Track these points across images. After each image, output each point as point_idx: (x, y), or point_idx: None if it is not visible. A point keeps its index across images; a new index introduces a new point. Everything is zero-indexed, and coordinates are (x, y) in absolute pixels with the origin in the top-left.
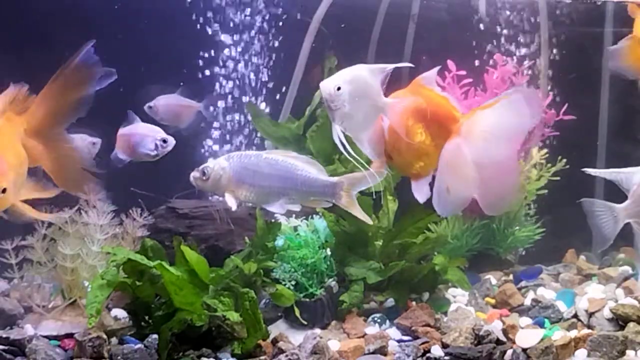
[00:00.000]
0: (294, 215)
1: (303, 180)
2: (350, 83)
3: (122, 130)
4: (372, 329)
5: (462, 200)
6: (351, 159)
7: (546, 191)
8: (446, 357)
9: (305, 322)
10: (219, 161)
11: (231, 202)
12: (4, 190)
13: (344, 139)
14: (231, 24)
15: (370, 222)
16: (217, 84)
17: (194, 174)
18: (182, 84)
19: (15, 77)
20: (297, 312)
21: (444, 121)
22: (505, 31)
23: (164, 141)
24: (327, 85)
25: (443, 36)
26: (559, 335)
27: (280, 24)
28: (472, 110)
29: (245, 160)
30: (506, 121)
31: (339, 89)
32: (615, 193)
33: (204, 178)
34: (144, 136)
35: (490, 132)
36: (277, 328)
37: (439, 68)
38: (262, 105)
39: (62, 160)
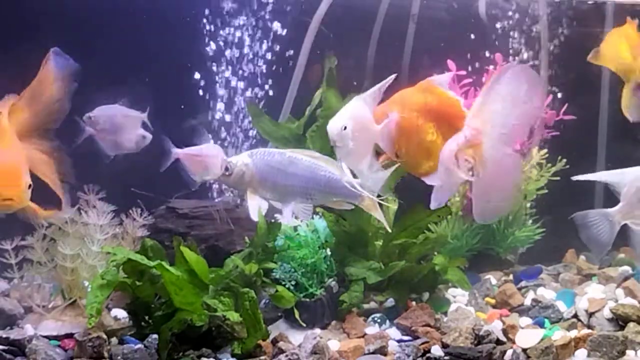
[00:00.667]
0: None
1: (327, 181)
2: (353, 120)
3: (191, 151)
4: (372, 329)
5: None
6: (363, 193)
7: (546, 191)
8: (446, 357)
9: (305, 324)
10: (242, 157)
11: (253, 211)
12: (29, 187)
13: (350, 175)
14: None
15: (389, 229)
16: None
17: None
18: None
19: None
20: (297, 314)
21: (454, 121)
22: (504, 31)
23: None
24: (335, 126)
25: (443, 36)
26: (559, 335)
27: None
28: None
29: (268, 157)
30: (505, 100)
31: (345, 128)
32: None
33: (227, 173)
34: (215, 157)
35: (494, 117)
36: (277, 328)
37: (445, 71)
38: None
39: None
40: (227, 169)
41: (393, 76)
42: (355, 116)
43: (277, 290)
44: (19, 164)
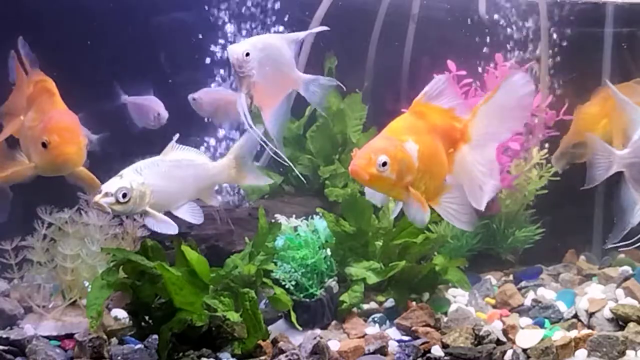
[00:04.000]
0: (294, 216)
1: (206, 171)
2: (261, 50)
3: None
4: (372, 329)
5: (495, 189)
6: (252, 131)
7: (546, 191)
8: (446, 358)
9: (302, 328)
10: (131, 178)
11: (169, 226)
12: (86, 146)
13: (246, 108)
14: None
15: (265, 182)
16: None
17: (107, 200)
18: None
19: None
20: (293, 317)
21: (451, 132)
22: (505, 31)
23: None
24: (236, 50)
25: (443, 36)
26: (559, 335)
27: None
28: (472, 110)
29: (155, 168)
30: (508, 106)
31: (247, 54)
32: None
33: (125, 200)
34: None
35: (496, 123)
36: (277, 328)
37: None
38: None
39: None
40: (124, 195)
41: (321, 28)
42: (267, 48)
43: (274, 293)
44: (77, 122)
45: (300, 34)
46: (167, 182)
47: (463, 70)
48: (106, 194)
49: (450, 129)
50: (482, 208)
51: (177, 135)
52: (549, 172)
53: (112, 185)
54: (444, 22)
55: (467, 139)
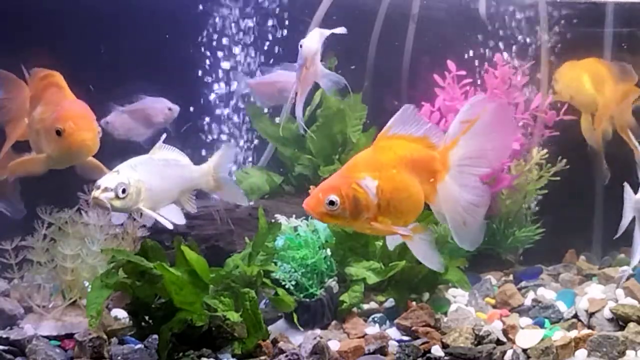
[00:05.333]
0: (294, 216)
1: (189, 173)
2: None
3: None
4: (372, 329)
5: (480, 225)
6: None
7: (546, 191)
8: (446, 358)
9: (303, 328)
10: (128, 174)
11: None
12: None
13: (299, 97)
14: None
15: (246, 203)
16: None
17: (106, 195)
18: None
19: None
20: (295, 318)
21: (427, 164)
22: (504, 31)
23: None
24: (311, 47)
25: (443, 36)
26: (559, 335)
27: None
28: (453, 140)
29: (148, 166)
30: (489, 135)
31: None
32: (619, 195)
33: (123, 196)
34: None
35: (478, 152)
36: (277, 328)
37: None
38: None
39: None
40: (124, 190)
41: (341, 30)
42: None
43: (277, 293)
44: (90, 110)
45: (327, 31)
46: (158, 180)
47: (463, 70)
48: (105, 189)
49: (425, 158)
50: (468, 248)
51: (165, 135)
52: (548, 172)
53: (111, 180)
54: (444, 22)
55: (447, 167)
